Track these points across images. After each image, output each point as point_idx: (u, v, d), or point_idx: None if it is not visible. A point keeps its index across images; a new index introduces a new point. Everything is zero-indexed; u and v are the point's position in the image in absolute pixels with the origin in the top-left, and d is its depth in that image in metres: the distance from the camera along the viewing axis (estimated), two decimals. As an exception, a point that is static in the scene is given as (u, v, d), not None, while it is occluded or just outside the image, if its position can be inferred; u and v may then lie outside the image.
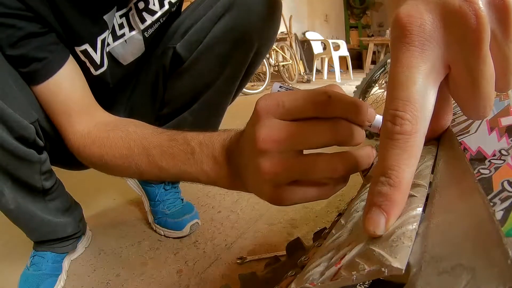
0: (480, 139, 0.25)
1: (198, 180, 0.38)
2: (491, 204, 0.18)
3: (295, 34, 5.45)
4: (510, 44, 0.20)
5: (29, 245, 0.74)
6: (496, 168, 0.21)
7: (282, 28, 5.16)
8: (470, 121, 0.28)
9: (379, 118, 0.30)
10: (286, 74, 4.54)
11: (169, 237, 0.85)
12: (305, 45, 5.62)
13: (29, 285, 0.68)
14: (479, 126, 0.27)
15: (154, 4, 0.63)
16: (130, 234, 0.89)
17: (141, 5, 0.61)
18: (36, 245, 0.73)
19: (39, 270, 0.70)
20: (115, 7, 0.57)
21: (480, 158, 0.23)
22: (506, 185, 0.19)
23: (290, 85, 0.35)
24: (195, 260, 0.75)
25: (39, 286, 0.67)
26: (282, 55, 4.63)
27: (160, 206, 0.89)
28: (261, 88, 3.86)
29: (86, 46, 0.56)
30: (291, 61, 4.69)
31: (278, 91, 0.33)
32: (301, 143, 0.28)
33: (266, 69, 4.02)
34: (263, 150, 0.27)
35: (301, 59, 5.40)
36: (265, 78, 3.99)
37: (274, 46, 4.48)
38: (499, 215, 0.17)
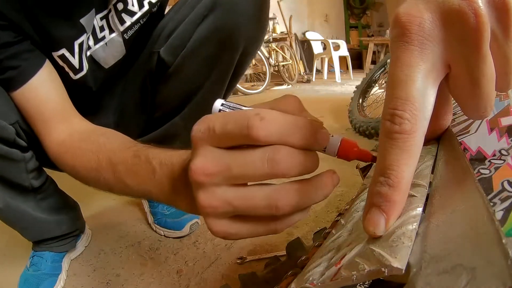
0: (480, 139, 0.25)
1: (160, 200, 0.36)
2: (491, 204, 0.18)
3: (295, 34, 5.45)
4: (510, 43, 0.20)
5: (29, 245, 0.74)
6: (496, 168, 0.21)
7: (282, 28, 5.17)
8: (470, 121, 0.28)
9: (335, 140, 0.26)
10: (286, 74, 4.54)
11: (169, 237, 0.85)
12: (305, 45, 5.62)
13: (28, 285, 0.68)
14: (479, 126, 0.27)
15: (133, 5, 0.61)
16: (130, 234, 0.89)
17: (120, 6, 0.60)
18: (34, 245, 0.73)
19: (38, 270, 0.70)
20: (93, 9, 0.56)
21: (480, 158, 0.23)
22: (506, 185, 0.19)
23: (235, 103, 0.29)
24: (195, 260, 0.75)
25: (38, 286, 0.67)
26: (282, 55, 4.63)
27: (160, 207, 0.89)
28: (261, 88, 3.86)
29: (63, 51, 0.55)
30: (291, 61, 4.69)
31: (220, 110, 0.28)
32: (235, 177, 0.24)
33: (266, 69, 4.02)
34: (197, 182, 0.25)
35: (301, 59, 5.40)
36: (265, 78, 3.99)
37: (274, 46, 4.48)
38: (499, 215, 0.17)
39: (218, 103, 0.29)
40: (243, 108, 0.27)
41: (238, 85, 3.64)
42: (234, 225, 0.27)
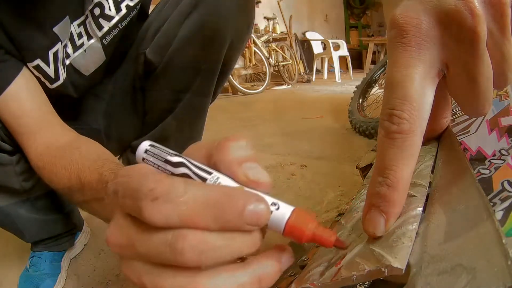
0: (480, 139, 0.25)
1: None
2: (491, 204, 0.18)
3: (295, 34, 5.46)
4: (507, 41, 0.21)
5: (29, 245, 0.74)
6: (496, 168, 0.21)
7: (282, 28, 5.17)
8: (470, 121, 0.28)
9: (280, 214, 0.19)
10: (286, 74, 4.54)
11: (169, 237, 0.85)
12: (305, 45, 5.62)
13: (28, 286, 0.68)
14: (479, 126, 0.27)
15: (110, 10, 0.60)
16: (130, 234, 0.89)
17: (97, 11, 0.59)
18: (33, 246, 0.73)
19: (38, 270, 0.70)
20: (67, 17, 0.55)
21: (480, 158, 0.23)
22: (506, 185, 0.19)
23: (163, 149, 0.21)
24: (195, 260, 0.75)
25: (38, 287, 0.67)
26: (282, 55, 4.64)
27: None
28: (261, 88, 3.87)
29: (38, 61, 0.54)
30: (291, 61, 4.69)
31: (144, 158, 0.21)
32: (141, 256, 0.20)
33: (266, 69, 4.02)
34: (112, 250, 0.21)
35: (301, 59, 5.40)
36: (265, 78, 3.99)
37: (274, 46, 4.49)
38: (499, 215, 0.17)
39: (143, 147, 0.21)
40: (169, 156, 0.21)
41: (238, 85, 3.65)
42: None
